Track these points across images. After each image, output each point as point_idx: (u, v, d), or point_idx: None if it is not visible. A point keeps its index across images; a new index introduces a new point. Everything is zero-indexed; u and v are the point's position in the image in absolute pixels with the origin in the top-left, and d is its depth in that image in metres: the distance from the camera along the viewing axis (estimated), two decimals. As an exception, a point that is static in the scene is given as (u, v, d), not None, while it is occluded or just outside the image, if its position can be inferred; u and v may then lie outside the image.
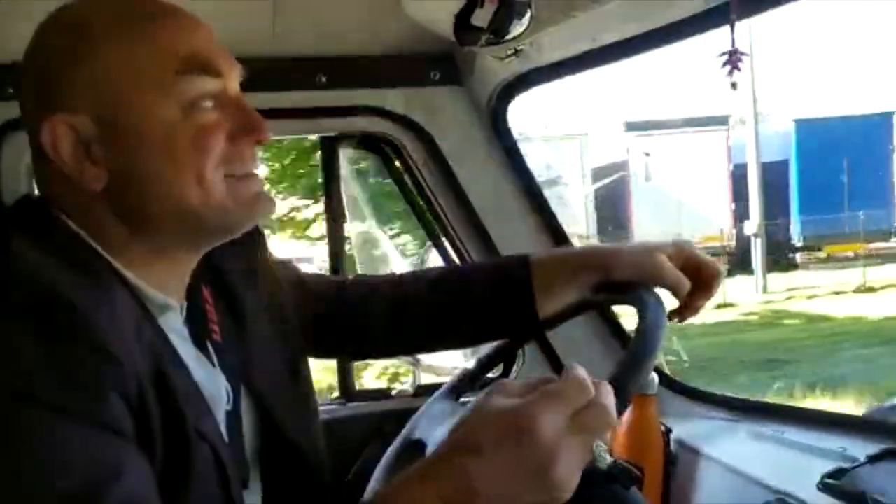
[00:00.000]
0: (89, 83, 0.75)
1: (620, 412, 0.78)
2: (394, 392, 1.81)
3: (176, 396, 0.72)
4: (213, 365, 0.86)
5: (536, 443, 0.63)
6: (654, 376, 1.52)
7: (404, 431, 1.13)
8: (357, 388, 1.81)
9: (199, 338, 0.86)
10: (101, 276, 0.74)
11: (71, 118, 0.75)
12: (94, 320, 0.67)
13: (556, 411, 0.64)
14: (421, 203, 1.74)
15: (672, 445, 1.51)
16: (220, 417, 0.83)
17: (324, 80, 1.56)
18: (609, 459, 0.67)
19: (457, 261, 1.75)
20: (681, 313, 1.05)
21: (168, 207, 0.78)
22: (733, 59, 0.95)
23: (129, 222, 0.79)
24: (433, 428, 1.02)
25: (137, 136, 0.76)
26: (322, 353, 1.20)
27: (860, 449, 1.17)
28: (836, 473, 1.11)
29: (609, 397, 0.67)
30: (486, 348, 1.25)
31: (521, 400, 0.66)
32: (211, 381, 0.83)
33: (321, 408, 1.70)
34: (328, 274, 1.74)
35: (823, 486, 1.10)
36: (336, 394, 1.80)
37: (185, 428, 0.72)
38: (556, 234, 1.69)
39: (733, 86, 0.97)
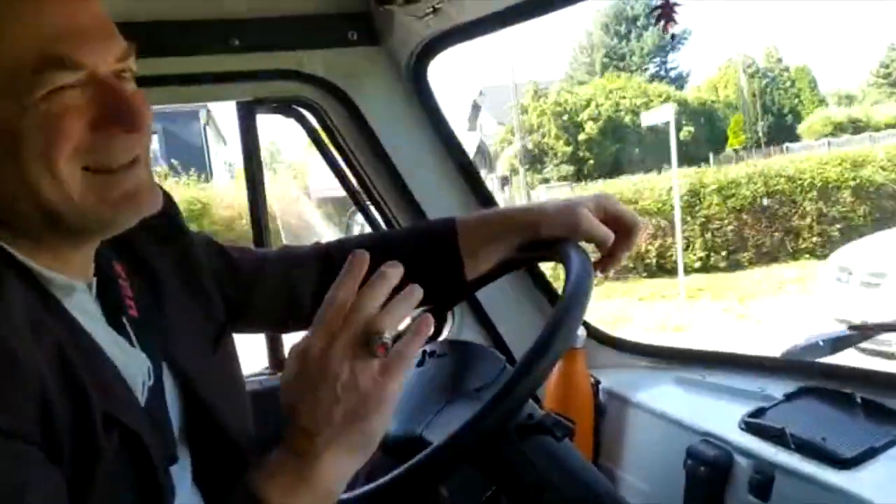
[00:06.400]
0: None
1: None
2: (325, 360, 1.78)
3: (83, 384, 0.68)
4: (132, 342, 0.82)
5: (309, 367, 0.73)
6: (582, 330, 1.55)
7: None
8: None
9: (115, 315, 0.82)
10: None
11: None
12: None
13: (315, 338, 0.74)
14: (344, 168, 1.71)
15: (601, 396, 1.55)
16: (143, 396, 0.80)
17: (237, 42, 1.50)
18: (386, 337, 0.73)
19: (383, 226, 1.73)
20: (603, 265, 1.08)
21: (27, 205, 0.71)
22: (666, 10, 0.95)
23: None
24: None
25: None
26: (249, 328, 1.17)
27: (778, 388, 1.23)
28: (757, 412, 1.16)
29: (365, 294, 0.74)
30: (415, 311, 1.25)
31: None
32: (130, 359, 0.80)
33: (251, 379, 1.68)
34: (252, 247, 1.70)
35: (745, 425, 1.15)
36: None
37: (94, 415, 0.69)
38: (482, 195, 1.69)
39: (672, 37, 0.97)
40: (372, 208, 1.74)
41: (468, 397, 1.08)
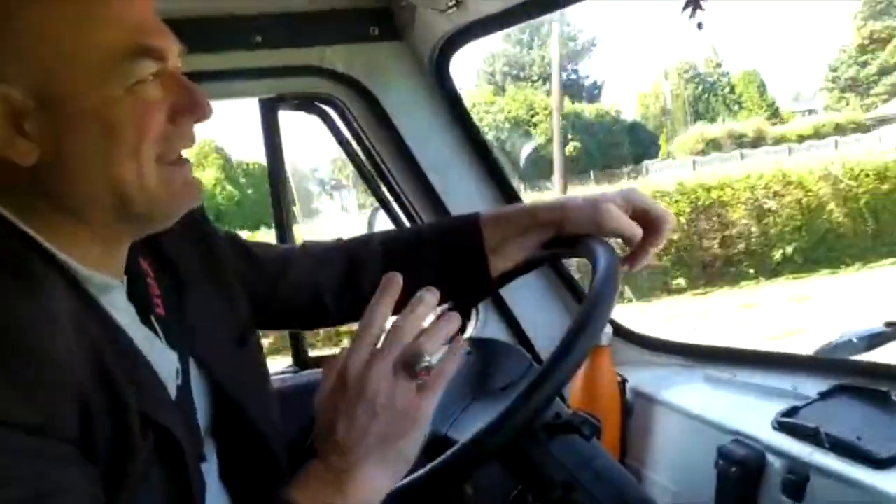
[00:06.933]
0: (23, 53, 0.69)
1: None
2: (348, 358, 1.78)
3: (119, 382, 0.68)
4: (160, 340, 0.83)
5: (347, 385, 0.74)
6: (608, 327, 1.53)
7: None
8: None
9: (144, 313, 0.82)
10: (33, 267, 0.70)
11: (1, 89, 0.68)
12: (27, 324, 0.63)
13: (353, 357, 0.75)
14: (366, 164, 1.70)
15: (628, 394, 1.52)
16: (173, 394, 0.80)
17: (259, 39, 1.50)
18: (427, 360, 0.74)
19: (406, 221, 1.72)
20: (631, 260, 1.06)
21: (101, 188, 0.73)
22: None
23: (59, 203, 0.73)
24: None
25: (73, 113, 0.70)
26: (272, 325, 1.17)
27: (811, 387, 1.20)
28: (790, 412, 1.13)
29: (406, 318, 0.76)
30: (439, 308, 1.23)
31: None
32: (160, 357, 0.80)
33: (275, 377, 1.68)
34: (276, 244, 1.69)
35: (778, 425, 1.12)
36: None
37: (131, 413, 0.69)
38: (506, 190, 1.67)
39: (699, 26, 0.94)
40: (394, 204, 1.73)
41: (494, 396, 1.07)
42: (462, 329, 1.44)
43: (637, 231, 1.04)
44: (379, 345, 0.76)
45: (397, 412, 0.74)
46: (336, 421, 0.74)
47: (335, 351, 0.82)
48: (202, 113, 0.77)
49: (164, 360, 0.80)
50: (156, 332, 0.82)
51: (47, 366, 0.63)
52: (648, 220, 1.05)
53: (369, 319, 0.77)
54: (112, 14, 0.71)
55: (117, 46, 0.71)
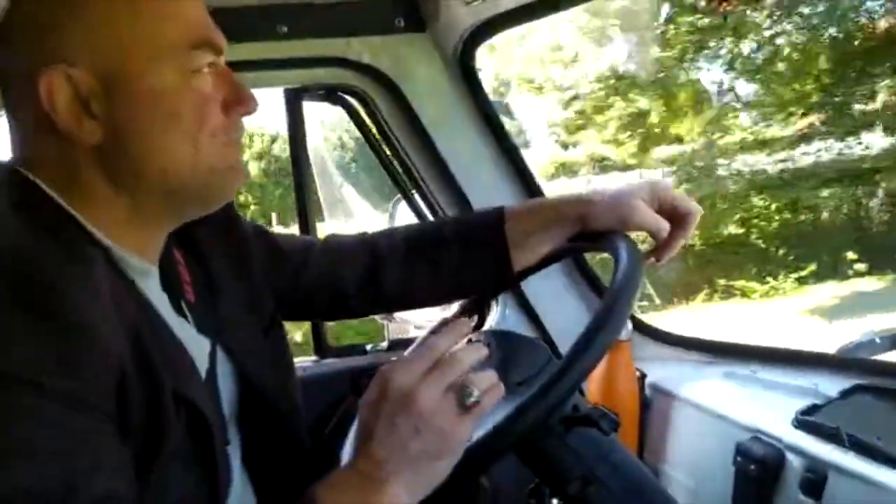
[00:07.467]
0: (91, 38, 0.72)
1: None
2: (368, 347, 1.80)
3: (156, 363, 0.70)
4: (191, 326, 0.85)
5: (393, 396, 0.72)
6: (628, 322, 1.53)
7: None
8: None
9: (176, 299, 0.85)
10: (80, 247, 0.72)
11: (70, 70, 0.72)
12: (74, 298, 0.65)
13: (405, 371, 0.73)
14: (389, 155, 1.71)
15: (646, 390, 1.52)
16: (203, 379, 0.82)
17: (284, 29, 1.50)
18: (477, 395, 0.74)
19: (428, 213, 1.72)
20: (658, 254, 1.05)
21: (159, 166, 0.76)
22: None
23: (116, 181, 0.76)
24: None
25: (139, 95, 0.74)
26: (294, 316, 1.18)
27: (832, 386, 1.19)
28: (810, 410, 1.13)
29: (466, 351, 0.77)
30: (461, 302, 1.24)
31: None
32: (192, 342, 0.82)
33: (296, 365, 1.70)
34: (299, 235, 1.70)
35: (798, 423, 1.12)
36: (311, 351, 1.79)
37: (166, 394, 0.70)
38: (528, 183, 1.67)
39: (724, 18, 0.94)
40: (415, 195, 1.73)
41: (511, 390, 1.07)
42: (482, 320, 1.45)
43: (663, 225, 1.03)
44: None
45: (437, 433, 0.73)
46: (374, 427, 0.73)
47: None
48: (250, 107, 0.81)
49: (194, 344, 0.82)
50: (186, 319, 0.84)
51: (89, 335, 0.64)
52: (676, 214, 1.04)
53: (433, 344, 0.76)
54: (175, 6, 0.76)
55: (180, 35, 0.75)
